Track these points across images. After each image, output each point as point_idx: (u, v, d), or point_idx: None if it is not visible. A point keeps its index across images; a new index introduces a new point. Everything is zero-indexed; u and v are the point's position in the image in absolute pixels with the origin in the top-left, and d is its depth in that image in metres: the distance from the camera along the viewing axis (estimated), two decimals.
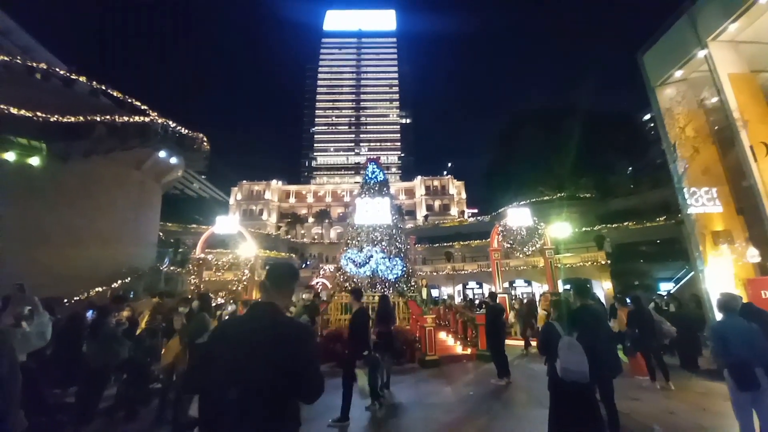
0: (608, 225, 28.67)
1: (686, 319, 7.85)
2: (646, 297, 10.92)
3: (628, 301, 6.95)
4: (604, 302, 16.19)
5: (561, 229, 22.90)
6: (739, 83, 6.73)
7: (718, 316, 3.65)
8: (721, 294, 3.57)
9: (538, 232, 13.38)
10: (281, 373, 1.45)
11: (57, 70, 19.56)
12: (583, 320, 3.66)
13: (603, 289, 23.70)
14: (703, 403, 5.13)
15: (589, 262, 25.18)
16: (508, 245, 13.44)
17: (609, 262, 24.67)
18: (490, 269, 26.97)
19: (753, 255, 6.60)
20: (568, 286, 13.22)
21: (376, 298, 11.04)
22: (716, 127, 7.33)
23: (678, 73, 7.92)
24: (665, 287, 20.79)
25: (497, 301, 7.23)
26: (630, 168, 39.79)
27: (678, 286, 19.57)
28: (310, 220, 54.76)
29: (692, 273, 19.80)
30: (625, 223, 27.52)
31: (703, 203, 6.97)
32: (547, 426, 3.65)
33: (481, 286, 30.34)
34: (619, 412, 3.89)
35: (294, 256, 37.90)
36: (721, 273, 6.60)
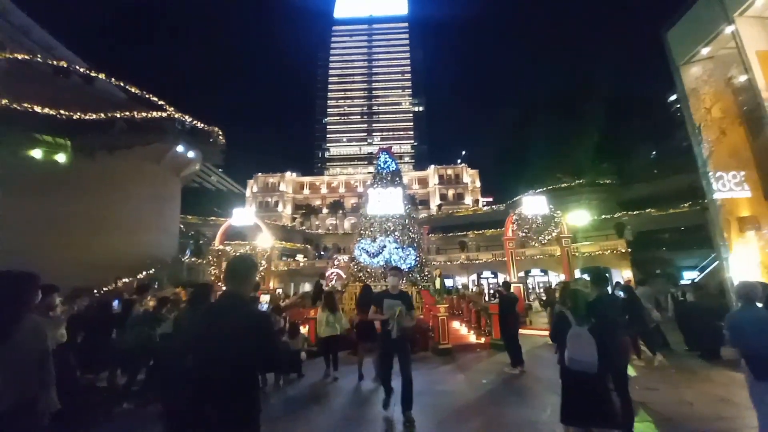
0: (629, 212, 27.78)
1: (707, 308, 7.62)
2: (665, 287, 10.60)
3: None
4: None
5: (579, 216, 22.38)
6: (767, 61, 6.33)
7: (738, 305, 3.56)
8: (741, 282, 3.46)
9: (554, 220, 13.10)
10: (242, 347, 1.73)
11: (77, 67, 20.17)
12: (600, 310, 3.62)
13: (622, 278, 23.12)
14: (724, 394, 5.01)
15: (609, 251, 24.55)
16: (523, 234, 13.23)
17: (629, 250, 23.97)
18: (505, 259, 26.76)
19: None
20: (586, 276, 12.99)
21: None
22: (745, 108, 6.92)
23: (704, 51, 7.48)
24: (689, 276, 20.11)
25: (511, 291, 7.19)
26: (654, 152, 38.14)
27: (703, 275, 18.89)
28: (324, 210, 55.30)
29: (717, 261, 19.12)
30: (647, 210, 26.58)
31: (731, 188, 6.66)
32: (559, 414, 3.66)
33: (496, 276, 30.09)
34: (635, 402, 3.85)
35: (309, 246, 38.52)
36: (747, 261, 6.34)
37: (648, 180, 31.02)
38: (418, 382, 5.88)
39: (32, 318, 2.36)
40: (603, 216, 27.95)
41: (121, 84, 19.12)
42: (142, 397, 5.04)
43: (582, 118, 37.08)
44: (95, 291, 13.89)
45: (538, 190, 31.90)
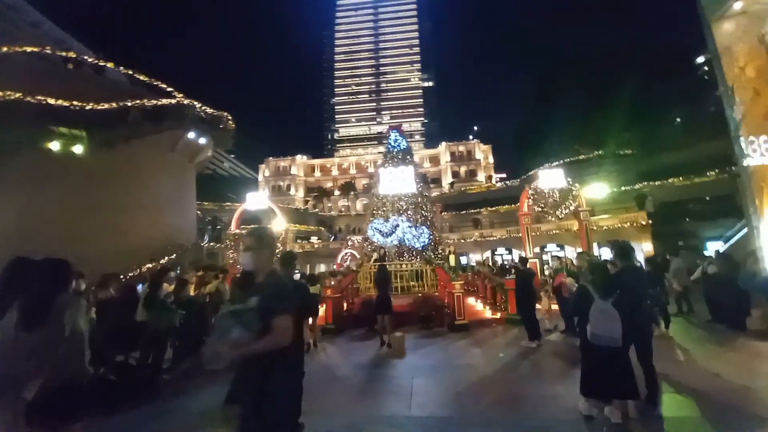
0: (650, 182, 26.71)
1: (733, 279, 7.38)
2: (693, 259, 10.23)
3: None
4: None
5: (597, 189, 21.65)
6: None
7: None
8: None
9: (572, 193, 12.71)
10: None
11: (86, 58, 20.25)
12: (625, 282, 3.53)
13: (642, 251, 22.58)
14: (752, 365, 4.90)
15: (628, 224, 23.87)
16: (540, 209, 12.92)
17: (650, 222, 23.24)
18: (520, 234, 26.34)
19: None
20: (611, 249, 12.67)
21: (404, 265, 11.26)
22: None
23: (737, 5, 6.88)
24: (713, 247, 19.43)
25: (528, 266, 7.10)
26: (678, 119, 36.14)
27: (728, 245, 18.23)
28: (336, 192, 55.44)
29: (745, 231, 18.34)
30: (670, 180, 25.49)
31: (762, 153, 6.25)
32: (579, 386, 3.65)
33: (510, 252, 29.88)
34: (659, 374, 3.80)
35: (323, 229, 38.93)
36: None
37: (673, 148, 29.57)
38: (436, 357, 6.01)
39: (69, 297, 2.51)
40: (623, 188, 27.01)
41: (130, 72, 19.16)
42: (172, 373, 5.31)
43: (602, 87, 35.31)
44: (122, 276, 14.48)
45: (555, 163, 30.94)
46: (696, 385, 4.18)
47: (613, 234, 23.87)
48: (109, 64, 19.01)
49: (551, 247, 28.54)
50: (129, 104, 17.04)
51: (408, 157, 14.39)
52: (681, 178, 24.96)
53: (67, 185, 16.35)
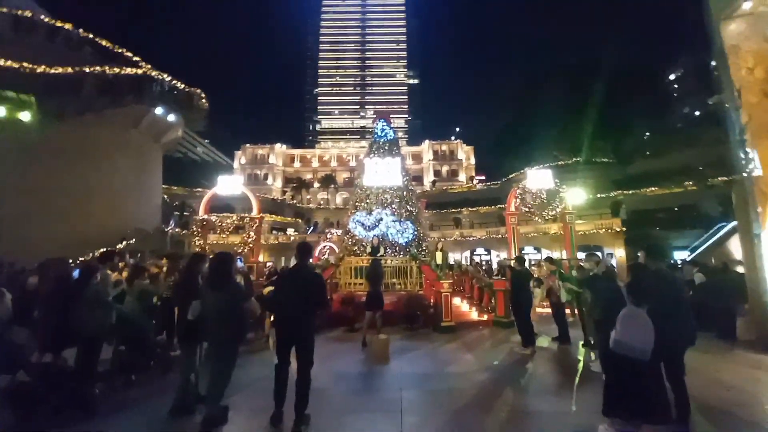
0: (624, 191, 27.56)
1: (720, 288, 7.31)
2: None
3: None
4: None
5: (575, 194, 21.99)
6: None
7: None
8: None
9: (558, 195, 12.54)
10: (309, 291, 3.44)
11: (42, 18, 18.16)
12: (659, 288, 3.04)
13: (616, 257, 23.18)
14: (757, 376, 4.65)
15: (603, 229, 24.42)
16: (526, 209, 12.66)
17: (624, 229, 23.89)
18: (499, 236, 26.30)
19: None
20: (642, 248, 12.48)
21: (387, 261, 10.62)
22: None
23: (746, 5, 6.71)
24: (679, 256, 20.15)
25: (524, 266, 6.63)
26: (647, 133, 37.72)
27: (694, 254, 18.90)
28: (316, 185, 53.99)
29: (711, 241, 19.10)
30: (644, 189, 26.36)
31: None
32: (602, 405, 3.15)
33: (489, 253, 29.98)
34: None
35: (300, 221, 37.63)
36: None
37: (642, 158, 30.77)
38: (424, 364, 5.40)
39: None
40: (598, 195, 27.69)
41: (90, 36, 17.27)
42: (110, 380, 4.38)
43: (581, 95, 36.21)
44: (71, 262, 12.96)
45: (536, 167, 31.35)
46: (715, 403, 3.81)
47: (588, 239, 24.33)
48: (67, 26, 17.05)
49: (528, 250, 28.87)
50: (87, 70, 15.30)
51: (395, 148, 13.73)
52: (654, 189, 25.81)
53: (13, 162, 14.57)
